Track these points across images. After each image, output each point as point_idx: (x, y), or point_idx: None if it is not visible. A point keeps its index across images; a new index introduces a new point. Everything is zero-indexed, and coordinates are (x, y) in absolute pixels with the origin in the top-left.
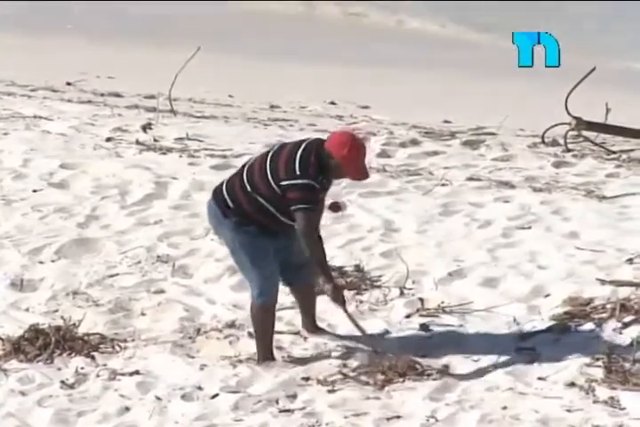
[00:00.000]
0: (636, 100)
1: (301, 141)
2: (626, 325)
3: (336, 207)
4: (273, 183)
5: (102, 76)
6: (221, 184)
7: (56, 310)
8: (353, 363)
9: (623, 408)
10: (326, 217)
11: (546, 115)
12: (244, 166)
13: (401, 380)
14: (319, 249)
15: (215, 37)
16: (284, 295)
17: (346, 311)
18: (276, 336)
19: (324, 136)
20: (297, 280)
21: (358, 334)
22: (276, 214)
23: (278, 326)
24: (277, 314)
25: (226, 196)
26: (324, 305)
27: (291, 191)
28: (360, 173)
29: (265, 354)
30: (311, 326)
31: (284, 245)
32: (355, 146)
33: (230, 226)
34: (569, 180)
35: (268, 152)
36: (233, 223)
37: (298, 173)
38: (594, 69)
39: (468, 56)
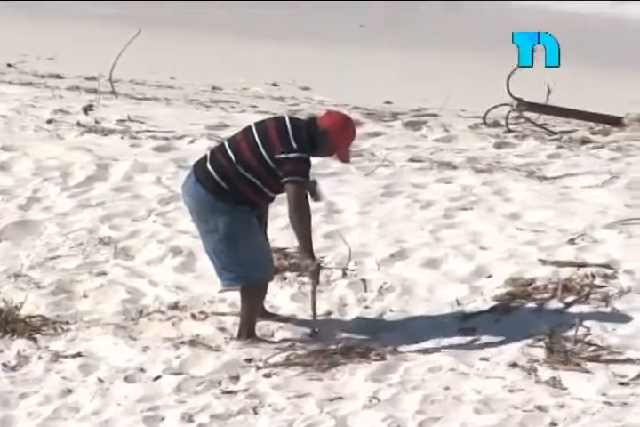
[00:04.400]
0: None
1: (281, 117)
2: (567, 305)
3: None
4: (267, 158)
5: (42, 57)
6: (204, 168)
7: None
8: (297, 345)
9: (565, 388)
10: None
11: (487, 96)
12: (222, 146)
13: (344, 362)
14: (308, 223)
15: (156, 17)
16: None
17: (314, 290)
18: (218, 318)
19: (266, 117)
20: None
21: (301, 316)
22: (264, 189)
23: (221, 308)
24: (219, 295)
25: (216, 177)
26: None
27: (287, 164)
28: (347, 153)
29: (250, 331)
30: (261, 311)
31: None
32: (352, 127)
33: (226, 209)
34: (510, 160)
35: (250, 130)
36: (230, 206)
37: (295, 146)
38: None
39: (409, 36)
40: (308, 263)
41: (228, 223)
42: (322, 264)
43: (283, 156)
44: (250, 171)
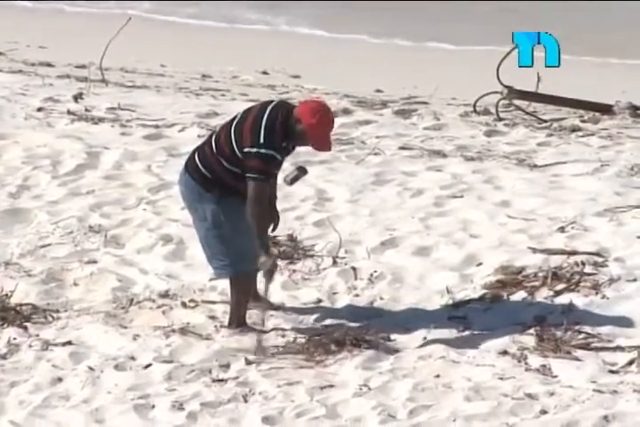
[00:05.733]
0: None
1: (266, 104)
2: (557, 293)
3: (302, 170)
4: (236, 149)
5: (33, 45)
6: (193, 157)
7: None
8: (287, 333)
9: (555, 376)
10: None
11: (477, 84)
12: (211, 135)
13: (334, 350)
14: (263, 220)
15: (147, 5)
16: None
17: (267, 285)
18: (209, 306)
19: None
20: None
21: (291, 304)
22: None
23: (211, 296)
24: (210, 284)
25: (202, 168)
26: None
27: (251, 159)
28: (323, 143)
29: (240, 320)
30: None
31: None
32: (324, 116)
33: (214, 199)
34: (500, 148)
35: (234, 118)
36: (217, 195)
37: (262, 141)
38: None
39: (398, 24)
40: (262, 261)
41: (215, 213)
42: (277, 261)
43: (247, 150)
44: (229, 161)
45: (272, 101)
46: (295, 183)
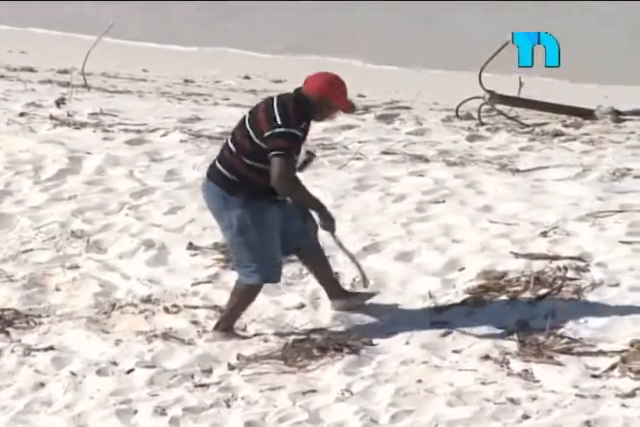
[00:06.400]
0: None
1: (271, 98)
2: (540, 298)
3: (310, 155)
4: (257, 140)
5: (15, 50)
6: (214, 164)
7: None
8: (270, 338)
9: (537, 381)
10: None
11: (459, 89)
12: (226, 140)
13: (317, 355)
14: (297, 189)
15: (130, 11)
16: (203, 269)
17: (335, 237)
18: (191, 311)
19: (239, 110)
20: (305, 246)
21: (274, 309)
22: None
23: (194, 301)
24: (192, 289)
25: (225, 172)
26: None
27: (272, 140)
28: (349, 103)
29: (229, 325)
30: (337, 292)
31: (291, 211)
32: (336, 79)
33: (240, 203)
34: (483, 153)
35: (244, 118)
36: (243, 199)
37: (279, 122)
38: (507, 43)
39: (380, 30)
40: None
41: (241, 217)
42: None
43: (268, 133)
44: (251, 158)
45: (274, 95)
46: (305, 168)
